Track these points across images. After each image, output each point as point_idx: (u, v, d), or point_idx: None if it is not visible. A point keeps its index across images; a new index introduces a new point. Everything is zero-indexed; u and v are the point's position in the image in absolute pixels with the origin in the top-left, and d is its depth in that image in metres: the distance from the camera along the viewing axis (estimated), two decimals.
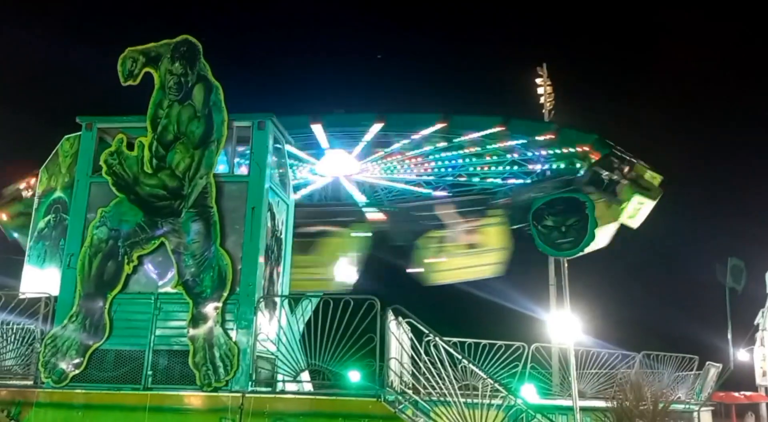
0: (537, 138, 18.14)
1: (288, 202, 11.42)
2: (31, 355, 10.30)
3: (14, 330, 10.56)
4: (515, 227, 16.52)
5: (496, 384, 9.70)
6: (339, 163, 19.10)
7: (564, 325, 11.91)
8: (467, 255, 16.48)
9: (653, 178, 17.82)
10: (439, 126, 18.95)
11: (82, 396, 9.39)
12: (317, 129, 19.07)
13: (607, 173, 16.00)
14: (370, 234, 16.07)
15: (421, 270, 16.36)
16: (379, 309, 9.20)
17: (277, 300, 10.28)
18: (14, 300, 10.31)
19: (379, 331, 9.12)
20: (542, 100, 25.43)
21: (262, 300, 9.76)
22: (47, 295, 10.19)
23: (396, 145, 19.35)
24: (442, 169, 19.32)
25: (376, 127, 19.01)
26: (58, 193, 11.23)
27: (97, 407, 9.28)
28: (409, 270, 16.53)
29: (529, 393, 13.20)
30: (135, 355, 9.58)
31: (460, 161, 18.98)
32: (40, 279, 10.84)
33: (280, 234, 10.99)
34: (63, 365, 9.60)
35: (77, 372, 9.58)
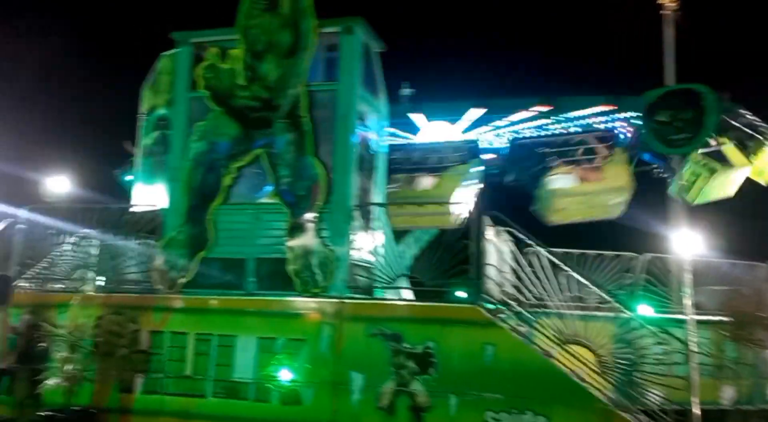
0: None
1: (380, 111, 11.12)
2: (148, 265, 10.85)
3: (132, 244, 11.10)
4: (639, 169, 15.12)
5: (604, 295, 9.21)
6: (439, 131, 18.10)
7: (683, 238, 10.97)
8: (590, 195, 15.41)
9: None
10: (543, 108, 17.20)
11: (193, 301, 9.90)
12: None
13: (737, 123, 14.13)
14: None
15: (543, 208, 15.58)
16: (475, 216, 8.92)
17: (372, 208, 10.19)
18: (127, 214, 10.87)
19: (476, 238, 8.85)
20: None
21: (356, 209, 9.69)
22: (158, 208, 10.66)
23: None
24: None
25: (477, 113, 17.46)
26: (161, 110, 11.54)
27: (206, 311, 9.75)
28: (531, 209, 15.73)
29: (645, 308, 12.50)
30: (238, 263, 9.90)
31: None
32: (149, 194, 11.35)
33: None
34: (173, 273, 10.11)
35: (187, 279, 10.07)
